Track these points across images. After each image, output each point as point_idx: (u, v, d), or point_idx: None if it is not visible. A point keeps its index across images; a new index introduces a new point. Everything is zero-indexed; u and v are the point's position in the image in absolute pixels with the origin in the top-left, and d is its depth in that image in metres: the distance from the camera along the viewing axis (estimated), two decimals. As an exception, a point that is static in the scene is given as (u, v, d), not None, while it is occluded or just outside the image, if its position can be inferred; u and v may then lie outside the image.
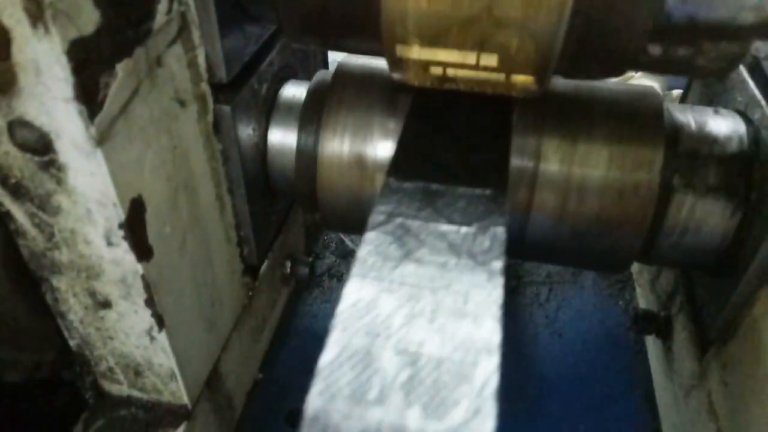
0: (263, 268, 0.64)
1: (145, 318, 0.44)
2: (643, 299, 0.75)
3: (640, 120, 0.49)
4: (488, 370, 0.24)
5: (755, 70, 0.52)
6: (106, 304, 0.44)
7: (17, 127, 0.35)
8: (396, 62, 0.41)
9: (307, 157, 0.54)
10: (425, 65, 0.41)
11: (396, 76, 0.44)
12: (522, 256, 0.68)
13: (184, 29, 0.42)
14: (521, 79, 0.40)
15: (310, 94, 0.56)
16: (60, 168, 0.36)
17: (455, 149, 0.39)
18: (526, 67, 0.38)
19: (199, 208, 0.48)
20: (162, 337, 0.46)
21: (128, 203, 0.38)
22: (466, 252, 0.30)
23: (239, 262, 0.58)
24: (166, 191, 0.43)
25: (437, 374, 0.24)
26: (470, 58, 0.38)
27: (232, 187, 0.53)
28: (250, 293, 0.62)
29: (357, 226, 0.58)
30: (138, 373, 0.49)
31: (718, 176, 0.48)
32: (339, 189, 0.54)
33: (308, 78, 0.59)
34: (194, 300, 0.50)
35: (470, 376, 0.24)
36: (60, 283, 0.43)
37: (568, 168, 0.49)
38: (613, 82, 0.54)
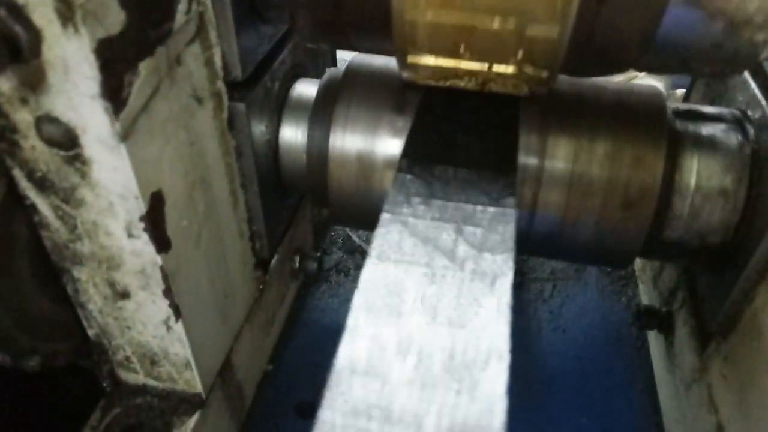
0: (273, 262, 0.65)
1: (162, 308, 0.46)
2: (646, 295, 0.77)
3: (642, 119, 0.51)
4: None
5: (756, 70, 0.53)
6: (125, 295, 0.46)
7: (44, 122, 0.36)
8: (406, 65, 0.43)
9: (317, 154, 0.56)
10: (435, 70, 0.42)
11: (405, 75, 0.46)
12: (527, 252, 0.70)
13: (201, 29, 0.44)
14: (528, 79, 0.41)
15: (321, 92, 0.57)
16: (84, 162, 0.38)
17: (464, 141, 0.41)
18: (533, 69, 0.40)
19: (214, 203, 0.50)
20: (178, 327, 0.47)
21: (149, 197, 0.40)
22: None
23: (251, 255, 0.60)
24: (183, 186, 0.44)
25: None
26: (478, 65, 0.40)
27: (245, 182, 0.55)
28: (261, 287, 0.63)
29: (366, 220, 0.59)
30: (154, 363, 0.51)
31: (718, 174, 0.50)
32: (348, 184, 0.55)
33: (317, 76, 0.61)
34: (209, 291, 0.51)
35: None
36: (81, 273, 0.45)
37: (572, 165, 0.51)
38: (617, 81, 0.56)
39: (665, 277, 0.70)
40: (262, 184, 0.56)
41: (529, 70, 0.40)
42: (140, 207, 0.40)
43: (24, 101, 0.35)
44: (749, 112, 0.52)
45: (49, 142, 0.37)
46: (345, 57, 0.59)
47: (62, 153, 0.37)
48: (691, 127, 0.52)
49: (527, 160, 0.51)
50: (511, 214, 0.33)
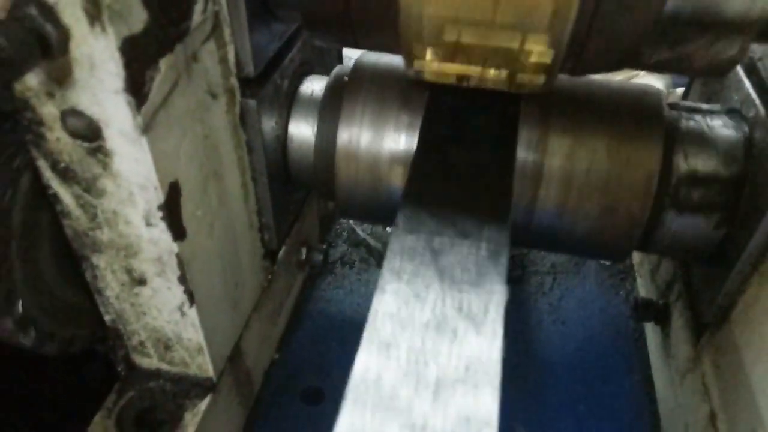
0: (281, 253, 0.67)
1: (177, 294, 0.48)
2: (644, 288, 0.79)
3: (640, 116, 0.52)
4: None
5: (751, 70, 0.55)
6: (141, 281, 0.48)
7: (69, 115, 0.38)
8: (412, 64, 0.45)
9: (325, 149, 0.58)
10: (439, 69, 0.44)
11: (411, 73, 0.47)
12: (527, 245, 0.71)
13: (217, 27, 0.46)
14: (530, 77, 0.43)
15: (329, 88, 0.59)
16: (107, 154, 0.40)
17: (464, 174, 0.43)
18: (536, 67, 0.41)
19: (226, 194, 0.52)
20: (192, 313, 0.49)
21: (167, 187, 0.42)
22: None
23: (260, 246, 0.62)
24: (198, 177, 0.46)
25: None
26: (479, 67, 0.42)
27: (255, 175, 0.57)
28: (269, 276, 0.65)
29: (372, 214, 0.61)
30: (168, 347, 0.53)
31: (713, 169, 0.51)
32: (355, 179, 0.57)
33: (325, 73, 0.63)
34: (221, 279, 0.53)
35: None
36: (100, 261, 0.47)
37: (571, 162, 0.52)
38: (616, 80, 0.57)
39: (662, 270, 0.72)
40: (272, 177, 0.58)
41: (532, 68, 0.42)
42: (159, 197, 0.42)
43: (50, 95, 0.37)
44: (743, 111, 0.54)
45: (74, 134, 0.39)
46: (351, 55, 0.61)
47: (85, 145, 0.39)
48: (688, 123, 0.54)
49: (528, 155, 0.53)
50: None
